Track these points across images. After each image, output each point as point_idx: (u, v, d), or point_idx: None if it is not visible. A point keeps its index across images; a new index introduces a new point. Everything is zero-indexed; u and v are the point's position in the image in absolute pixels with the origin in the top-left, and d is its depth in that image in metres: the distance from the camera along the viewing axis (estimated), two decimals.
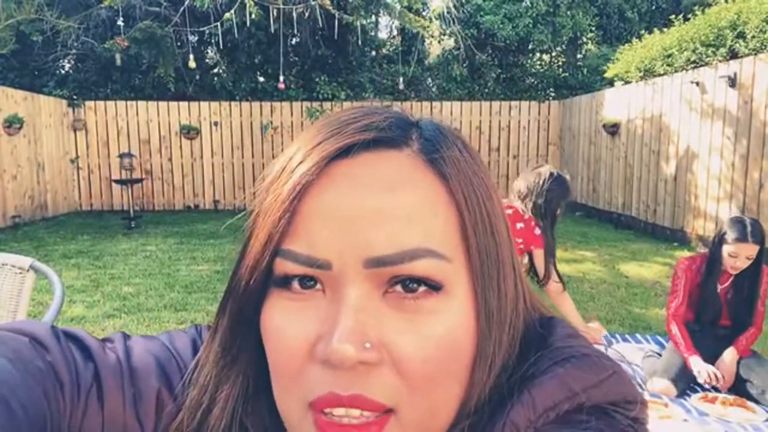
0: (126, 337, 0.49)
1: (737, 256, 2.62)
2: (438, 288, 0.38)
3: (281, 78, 9.43)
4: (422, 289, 0.38)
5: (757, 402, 2.58)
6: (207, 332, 0.52)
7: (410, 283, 0.37)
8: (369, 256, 0.37)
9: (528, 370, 0.40)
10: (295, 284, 0.39)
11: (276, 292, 0.40)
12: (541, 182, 2.85)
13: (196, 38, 9.84)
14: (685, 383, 2.75)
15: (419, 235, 0.37)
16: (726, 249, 2.64)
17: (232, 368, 0.44)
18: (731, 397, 2.56)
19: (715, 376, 2.61)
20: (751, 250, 2.59)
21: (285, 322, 0.39)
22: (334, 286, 0.38)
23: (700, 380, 2.65)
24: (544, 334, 0.43)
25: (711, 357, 2.77)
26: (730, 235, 2.64)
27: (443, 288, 0.38)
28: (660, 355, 2.96)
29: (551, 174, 2.88)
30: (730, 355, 2.68)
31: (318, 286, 0.39)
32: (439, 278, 0.38)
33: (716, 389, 2.69)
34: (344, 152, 0.39)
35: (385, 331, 0.37)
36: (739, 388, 2.68)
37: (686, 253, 6.31)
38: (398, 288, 0.38)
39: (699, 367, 2.67)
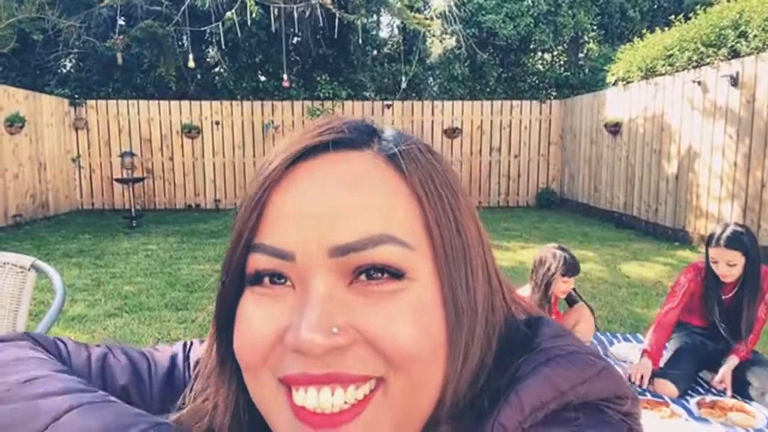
0: (114, 345, 0.56)
1: (717, 261, 2.62)
2: (400, 275, 0.39)
3: (285, 76, 9.44)
4: (385, 276, 0.39)
5: (755, 402, 2.58)
6: (197, 345, 0.57)
7: (374, 272, 0.39)
8: (332, 245, 0.38)
9: (515, 372, 0.40)
10: (266, 280, 0.41)
11: (249, 289, 0.42)
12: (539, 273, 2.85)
13: (197, 37, 9.83)
14: (687, 384, 2.74)
15: (381, 223, 0.39)
16: (709, 253, 2.67)
17: (223, 373, 0.45)
18: (729, 401, 2.56)
19: (641, 377, 2.71)
20: (727, 255, 2.57)
21: (255, 311, 0.40)
22: (302, 279, 0.39)
23: (628, 371, 2.79)
24: (529, 334, 0.44)
25: (715, 362, 2.76)
26: (711, 240, 2.65)
27: (405, 275, 0.39)
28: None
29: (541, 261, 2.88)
30: (730, 362, 2.68)
31: (288, 282, 0.40)
32: (401, 265, 0.39)
33: (721, 392, 2.69)
34: (309, 153, 0.42)
35: (353, 314, 0.38)
36: (739, 389, 2.67)
37: (688, 253, 6.31)
38: (362, 278, 0.39)
39: (636, 366, 2.76)
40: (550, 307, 2.86)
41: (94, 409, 0.41)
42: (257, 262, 0.40)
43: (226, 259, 0.43)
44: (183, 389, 0.54)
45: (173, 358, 0.56)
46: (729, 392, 2.63)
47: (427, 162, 0.43)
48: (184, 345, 0.58)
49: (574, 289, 3.04)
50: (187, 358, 0.56)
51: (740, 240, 2.57)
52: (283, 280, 0.40)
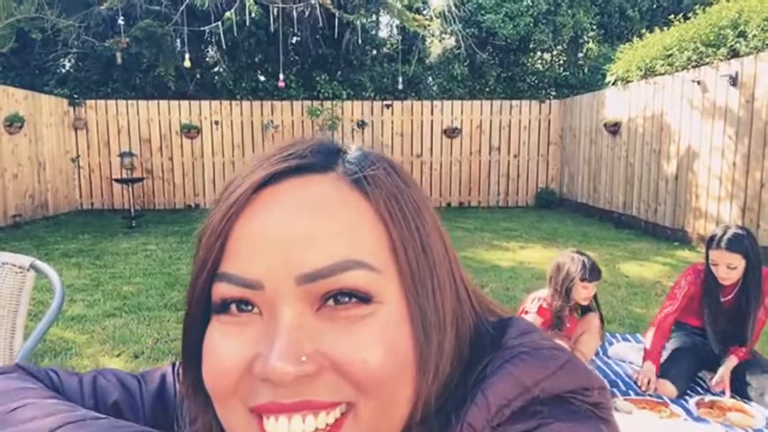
0: (103, 369, 0.58)
1: (717, 264, 2.60)
2: (368, 300, 0.39)
3: (281, 76, 9.44)
4: (353, 301, 0.39)
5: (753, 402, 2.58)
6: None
7: (341, 297, 0.39)
8: (299, 273, 0.38)
9: (482, 373, 0.41)
10: (233, 308, 0.41)
11: (216, 318, 0.42)
12: (558, 278, 2.81)
13: (196, 37, 9.82)
14: (686, 384, 2.74)
15: (346, 248, 0.39)
16: (709, 255, 2.64)
17: (197, 399, 0.46)
18: (728, 402, 2.56)
19: (648, 381, 2.69)
20: (728, 258, 2.55)
21: (222, 341, 0.40)
22: (269, 307, 0.39)
23: (635, 377, 2.78)
24: (496, 335, 0.45)
25: (714, 362, 2.75)
26: (711, 242, 2.63)
27: (373, 299, 0.39)
28: None
29: (558, 266, 2.82)
30: (728, 362, 2.67)
31: (255, 309, 0.40)
32: (368, 289, 0.39)
33: (720, 393, 2.69)
34: (272, 179, 0.42)
35: (322, 342, 0.38)
36: (738, 389, 2.67)
37: (687, 253, 6.31)
38: (330, 303, 0.39)
39: (642, 372, 2.73)
40: (570, 315, 2.80)
41: (78, 427, 0.42)
42: (223, 290, 0.40)
43: (191, 288, 0.43)
44: (174, 406, 0.55)
45: (163, 377, 0.57)
46: (727, 393, 2.63)
47: (391, 183, 0.43)
48: (173, 365, 0.59)
49: (595, 296, 2.92)
50: (177, 374, 0.57)
51: (741, 242, 2.55)
52: (249, 307, 0.40)
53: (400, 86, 10.65)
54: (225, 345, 0.40)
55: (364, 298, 0.39)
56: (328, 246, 0.39)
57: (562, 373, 0.40)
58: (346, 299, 0.39)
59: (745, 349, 2.68)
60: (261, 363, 0.37)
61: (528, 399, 0.39)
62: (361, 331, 0.39)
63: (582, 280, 2.71)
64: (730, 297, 2.69)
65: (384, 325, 0.39)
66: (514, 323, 0.46)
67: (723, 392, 2.65)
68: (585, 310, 2.99)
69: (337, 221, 0.40)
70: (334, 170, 0.43)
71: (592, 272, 2.73)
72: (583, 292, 2.75)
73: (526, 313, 2.80)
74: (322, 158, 0.43)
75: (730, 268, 2.57)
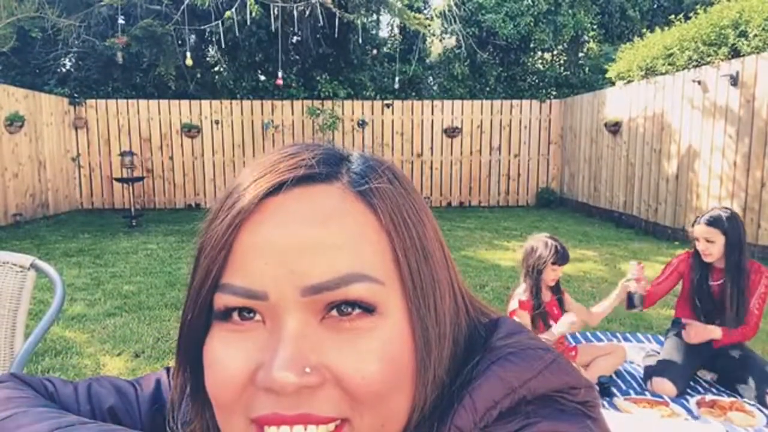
0: (98, 377, 0.58)
1: (698, 239, 2.71)
2: (371, 310, 0.39)
3: (279, 74, 9.44)
4: (357, 311, 0.39)
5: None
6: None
7: (345, 307, 0.39)
8: (305, 285, 0.38)
9: (468, 375, 0.41)
10: (235, 316, 0.40)
11: (217, 325, 0.41)
12: (530, 261, 2.88)
13: (197, 36, 9.82)
14: (685, 382, 2.74)
15: (351, 261, 0.39)
16: (693, 232, 2.75)
17: (195, 403, 0.46)
18: (729, 400, 2.55)
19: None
20: (706, 232, 2.66)
21: (224, 351, 0.40)
22: (273, 316, 0.39)
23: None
24: (486, 336, 0.45)
25: (711, 360, 2.75)
26: (695, 221, 2.77)
27: (376, 309, 0.40)
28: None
29: (532, 249, 2.89)
30: (714, 328, 2.70)
31: (257, 317, 0.40)
32: (372, 300, 0.39)
33: (717, 389, 2.69)
34: (277, 188, 0.41)
35: (325, 353, 0.38)
36: (734, 392, 2.67)
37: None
38: (334, 313, 0.39)
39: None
40: (538, 292, 2.85)
41: None
42: (227, 300, 0.40)
43: (192, 297, 0.42)
44: None
45: (158, 381, 0.58)
46: (692, 338, 2.69)
47: (395, 192, 0.43)
48: (167, 369, 0.59)
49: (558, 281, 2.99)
50: (171, 378, 0.58)
51: (719, 219, 2.66)
52: (252, 314, 0.40)
53: (397, 86, 10.64)
54: (228, 354, 0.40)
55: (368, 309, 0.39)
56: (334, 258, 0.39)
57: (549, 373, 0.40)
58: (350, 309, 0.39)
59: (735, 333, 2.67)
60: (264, 372, 0.37)
61: (515, 399, 0.39)
62: (364, 347, 0.39)
63: (553, 263, 2.80)
64: (719, 282, 2.75)
65: (387, 341, 0.39)
66: (502, 324, 0.46)
67: (716, 386, 2.65)
68: (557, 291, 3.05)
69: (343, 233, 0.40)
70: (339, 180, 0.42)
71: (563, 256, 2.84)
72: (552, 274, 2.86)
73: (514, 313, 2.84)
74: (328, 168, 0.43)
75: (708, 242, 2.67)
